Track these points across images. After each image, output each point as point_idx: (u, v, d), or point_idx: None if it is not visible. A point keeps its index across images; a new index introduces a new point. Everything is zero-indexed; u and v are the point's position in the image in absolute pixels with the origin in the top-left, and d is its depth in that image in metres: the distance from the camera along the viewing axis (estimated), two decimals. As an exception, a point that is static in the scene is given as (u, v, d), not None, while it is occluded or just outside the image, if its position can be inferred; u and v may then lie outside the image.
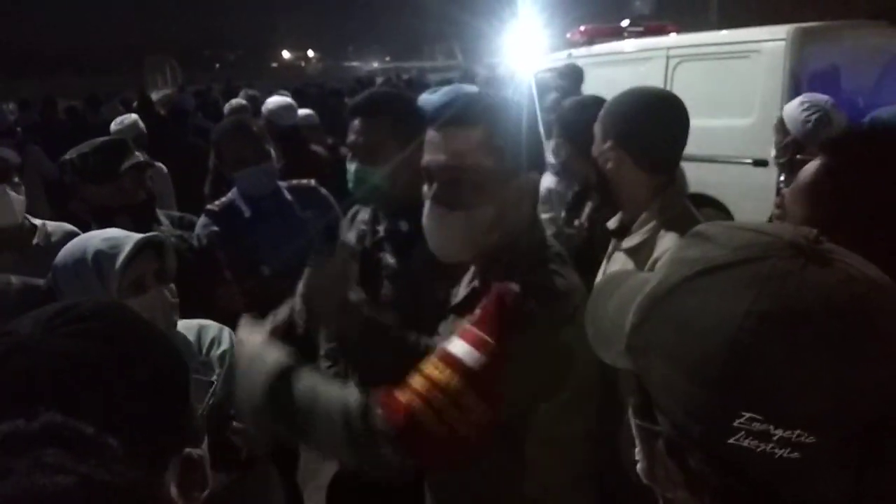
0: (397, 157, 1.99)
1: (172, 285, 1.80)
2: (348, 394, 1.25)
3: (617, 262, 1.99)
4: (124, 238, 1.73)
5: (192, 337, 1.88)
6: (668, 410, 0.64)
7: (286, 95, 6.33)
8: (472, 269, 1.53)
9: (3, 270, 2.22)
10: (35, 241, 2.61)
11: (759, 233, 0.64)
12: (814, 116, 3.13)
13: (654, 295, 0.66)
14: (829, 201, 1.12)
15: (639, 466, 0.75)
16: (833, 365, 0.55)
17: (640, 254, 1.88)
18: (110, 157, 2.41)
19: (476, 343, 1.18)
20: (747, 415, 0.57)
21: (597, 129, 2.01)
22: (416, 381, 1.20)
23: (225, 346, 1.89)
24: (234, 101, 6.48)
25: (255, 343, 1.40)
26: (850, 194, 1.11)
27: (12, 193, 2.48)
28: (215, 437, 1.69)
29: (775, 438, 0.56)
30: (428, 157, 1.40)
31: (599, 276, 2.06)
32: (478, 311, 1.24)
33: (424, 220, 1.41)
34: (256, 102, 6.54)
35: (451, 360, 1.19)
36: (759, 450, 0.57)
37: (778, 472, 0.57)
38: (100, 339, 0.81)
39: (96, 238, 1.74)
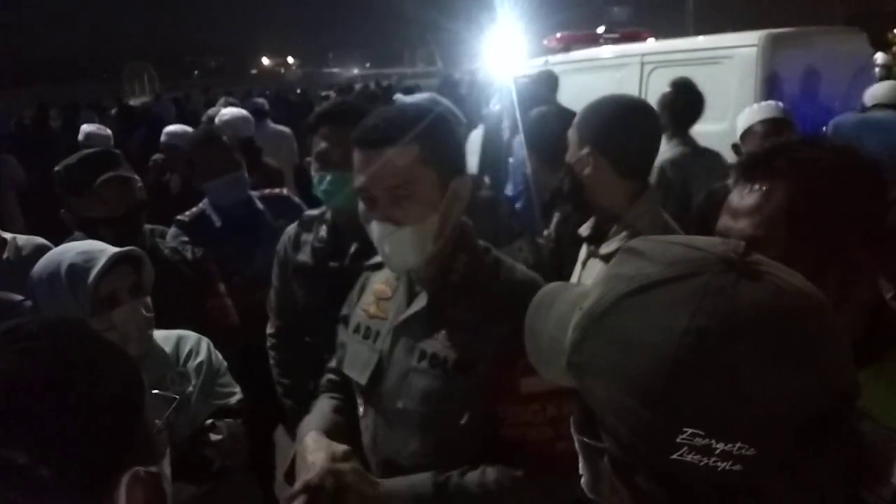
0: None
1: (148, 299, 1.78)
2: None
3: (594, 269, 1.99)
4: (99, 252, 1.71)
5: (170, 347, 1.87)
6: (612, 429, 0.64)
7: (236, 104, 6.31)
8: (405, 278, 1.56)
9: None
10: (5, 255, 2.57)
11: (690, 248, 0.66)
12: (764, 126, 3.19)
13: (593, 313, 0.67)
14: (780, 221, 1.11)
15: (583, 480, 0.75)
16: (769, 376, 0.57)
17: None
18: (90, 169, 2.39)
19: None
20: (689, 430, 0.58)
21: (572, 135, 2.02)
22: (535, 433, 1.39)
23: (202, 356, 1.88)
24: (212, 110, 6.44)
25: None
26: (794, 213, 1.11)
27: None
28: (188, 449, 1.69)
29: (717, 452, 0.57)
30: (364, 179, 1.41)
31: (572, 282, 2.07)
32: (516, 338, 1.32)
33: (375, 239, 1.44)
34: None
35: (538, 396, 1.36)
36: (702, 464, 0.58)
37: (722, 486, 0.58)
38: (44, 358, 0.79)
39: (72, 251, 1.72)
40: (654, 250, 0.67)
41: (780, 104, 3.35)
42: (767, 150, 1.18)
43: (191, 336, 1.94)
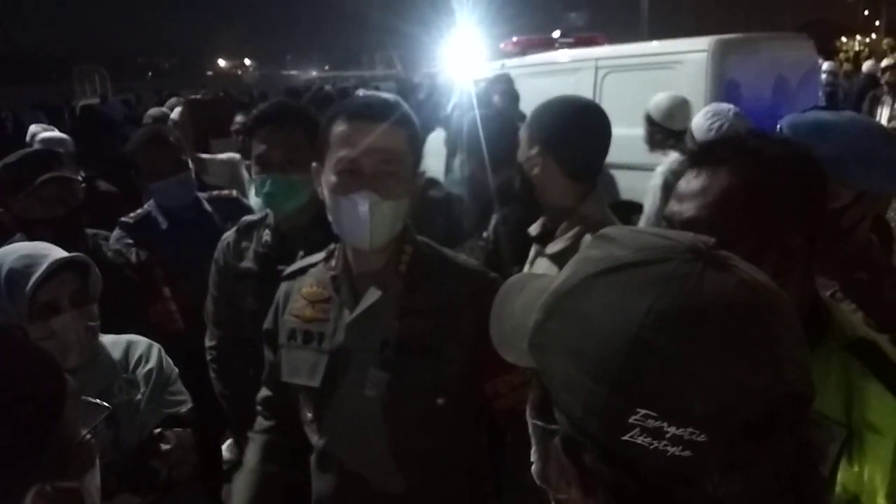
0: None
1: (94, 307, 1.72)
2: None
3: (540, 267, 1.99)
4: (42, 257, 1.64)
5: (119, 353, 1.80)
6: (566, 406, 0.64)
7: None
8: (339, 269, 1.58)
9: None
10: None
11: (661, 237, 0.66)
12: (716, 125, 3.25)
13: (558, 292, 0.67)
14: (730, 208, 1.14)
15: (533, 468, 0.75)
16: (726, 365, 0.57)
17: (564, 259, 1.89)
18: (30, 169, 2.31)
19: None
20: (642, 411, 0.58)
21: (522, 135, 2.02)
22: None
23: (152, 363, 1.82)
24: (154, 110, 6.33)
25: None
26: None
27: None
28: (135, 459, 1.64)
29: (668, 436, 0.57)
30: (356, 150, 1.43)
31: None
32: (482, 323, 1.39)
33: (359, 209, 1.43)
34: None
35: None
36: (651, 447, 0.58)
37: (670, 471, 0.58)
38: None
39: (14, 254, 1.65)
40: (625, 237, 0.68)
41: (732, 107, 3.42)
42: (716, 141, 1.23)
43: (141, 342, 1.87)
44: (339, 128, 1.46)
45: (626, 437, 0.58)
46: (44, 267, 1.61)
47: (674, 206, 1.19)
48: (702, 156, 1.19)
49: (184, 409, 1.84)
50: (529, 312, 0.71)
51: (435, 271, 1.54)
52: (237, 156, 4.61)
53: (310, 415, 1.60)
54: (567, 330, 0.64)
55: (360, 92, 5.28)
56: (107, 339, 1.81)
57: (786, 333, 0.61)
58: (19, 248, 1.70)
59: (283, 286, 1.71)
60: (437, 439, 1.49)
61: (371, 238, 1.47)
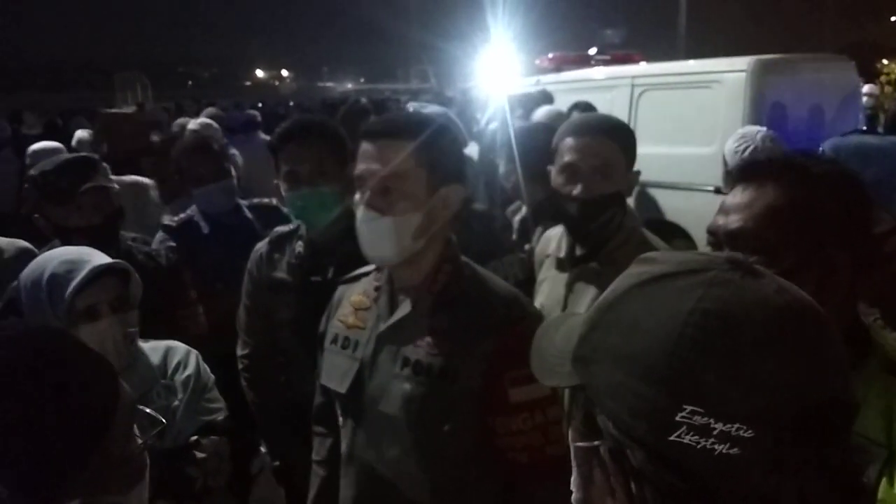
0: (343, 176, 2.01)
1: (134, 313, 1.73)
2: None
3: (584, 291, 1.93)
4: (83, 262, 1.67)
5: (157, 359, 1.82)
6: (612, 412, 0.65)
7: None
8: (383, 281, 1.60)
9: None
10: None
11: (699, 254, 0.71)
12: (742, 147, 3.24)
13: (601, 305, 0.70)
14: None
15: (574, 497, 0.75)
16: (772, 362, 0.59)
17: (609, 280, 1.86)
18: (70, 178, 2.38)
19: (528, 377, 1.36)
20: (689, 408, 0.59)
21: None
22: (525, 440, 1.44)
23: (190, 370, 1.83)
24: (182, 119, 6.43)
25: None
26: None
27: None
28: (170, 466, 1.66)
29: (715, 433, 0.58)
30: (362, 167, 1.49)
31: (547, 302, 2.05)
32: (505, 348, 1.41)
33: (357, 224, 1.50)
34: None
35: (527, 405, 1.43)
36: (699, 446, 0.59)
37: (717, 470, 0.59)
38: (14, 370, 0.77)
39: (56, 259, 1.68)
40: (665, 257, 0.71)
41: (762, 129, 3.41)
42: (764, 158, 1.23)
43: (180, 348, 1.89)
44: (361, 145, 1.51)
45: (673, 437, 0.59)
46: (84, 272, 1.63)
47: (719, 220, 1.20)
48: (749, 172, 1.21)
49: (220, 416, 1.85)
50: (571, 339, 0.73)
51: (468, 294, 1.52)
52: (144, 180, 4.12)
53: (341, 418, 1.64)
54: (612, 337, 0.66)
55: (411, 105, 5.31)
56: (146, 345, 1.83)
57: (828, 342, 0.62)
58: (62, 254, 1.72)
59: (339, 290, 1.75)
60: (447, 466, 1.49)
61: (369, 252, 1.52)
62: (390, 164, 1.45)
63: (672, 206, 5.62)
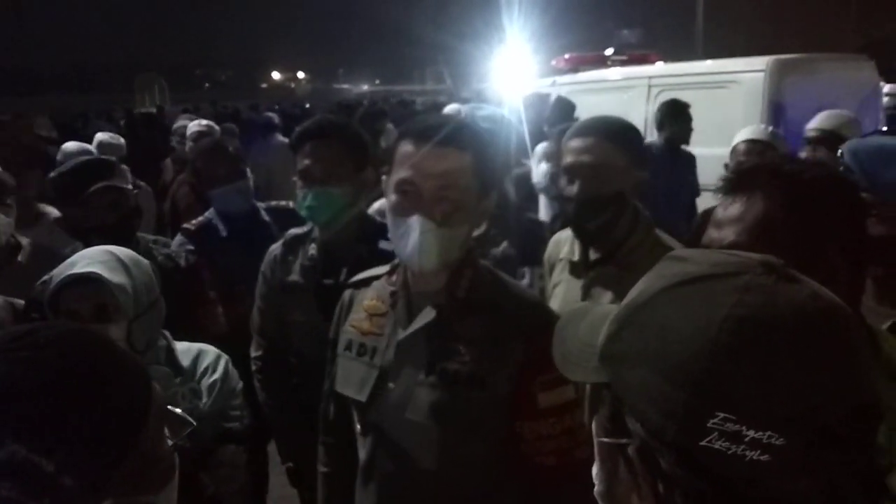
0: (358, 179, 2.00)
1: (119, 325, 1.65)
2: None
3: (601, 296, 1.92)
4: (72, 265, 1.66)
5: (188, 361, 1.83)
6: (642, 414, 0.65)
7: (194, 118, 6.21)
8: (398, 286, 1.57)
9: None
10: (20, 259, 2.58)
11: (731, 255, 0.69)
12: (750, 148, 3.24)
13: (633, 304, 0.69)
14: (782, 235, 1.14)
15: (597, 489, 0.75)
16: (805, 368, 0.59)
17: (626, 283, 1.84)
18: (81, 179, 2.41)
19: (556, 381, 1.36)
20: (721, 414, 0.59)
21: (617, 156, 1.89)
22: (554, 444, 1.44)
23: (217, 375, 1.84)
24: (181, 122, 6.41)
25: None
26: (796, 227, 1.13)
27: (1, 216, 2.45)
28: (184, 470, 1.66)
29: (746, 440, 0.58)
30: (417, 173, 1.42)
31: (563, 307, 2.04)
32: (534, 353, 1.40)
33: (411, 232, 1.43)
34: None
35: (555, 409, 1.44)
36: (730, 452, 0.58)
37: (746, 476, 0.59)
38: (53, 370, 0.78)
39: (68, 260, 1.69)
40: (696, 255, 0.70)
41: (770, 128, 3.40)
42: (751, 166, 1.23)
43: (210, 352, 1.89)
44: (404, 148, 1.45)
45: (704, 443, 0.59)
46: (60, 278, 1.62)
47: (713, 234, 1.19)
48: (738, 182, 1.19)
49: (240, 424, 1.84)
50: (597, 332, 0.73)
51: (491, 300, 1.50)
52: None
53: (359, 427, 1.62)
54: (644, 338, 0.66)
55: (463, 108, 5.28)
56: (179, 346, 1.85)
57: (858, 346, 0.62)
58: (75, 256, 1.73)
59: (347, 293, 1.71)
60: (474, 472, 1.48)
61: (420, 262, 1.46)
62: (453, 175, 1.42)
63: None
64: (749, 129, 3.45)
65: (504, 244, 2.36)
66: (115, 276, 1.65)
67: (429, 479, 1.48)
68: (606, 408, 0.72)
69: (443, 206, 1.42)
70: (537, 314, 1.49)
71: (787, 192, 1.12)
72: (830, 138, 3.38)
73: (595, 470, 0.75)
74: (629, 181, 1.88)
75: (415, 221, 1.42)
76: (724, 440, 0.58)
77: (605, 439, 0.72)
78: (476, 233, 2.27)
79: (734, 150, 3.37)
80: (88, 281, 1.63)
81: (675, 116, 4.74)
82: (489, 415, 1.44)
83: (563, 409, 1.44)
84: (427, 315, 1.50)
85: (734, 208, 1.16)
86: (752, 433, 0.58)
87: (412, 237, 1.43)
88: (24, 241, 2.62)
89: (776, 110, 5.17)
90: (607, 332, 0.71)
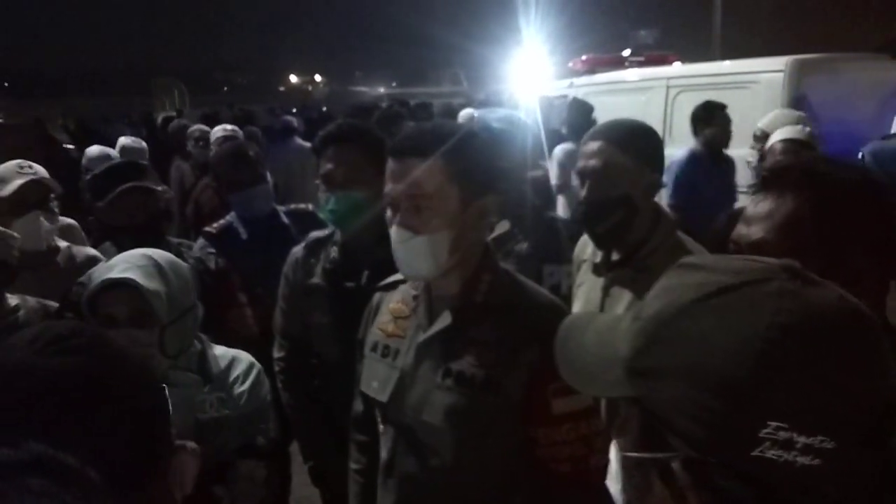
0: (379, 183, 2.03)
1: (151, 331, 1.66)
2: None
3: (620, 296, 1.93)
4: (110, 269, 1.69)
5: (221, 366, 1.84)
6: (684, 430, 0.64)
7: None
8: (420, 290, 1.59)
9: (22, 289, 2.26)
10: (58, 261, 2.62)
11: (749, 260, 0.69)
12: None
13: (661, 318, 0.68)
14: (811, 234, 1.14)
15: (623, 501, 0.75)
16: (846, 371, 0.60)
17: (644, 285, 1.84)
18: (113, 180, 2.46)
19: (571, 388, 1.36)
20: (773, 424, 0.59)
21: (625, 161, 1.89)
22: (569, 451, 1.43)
23: (247, 385, 1.85)
24: (198, 127, 6.50)
25: None
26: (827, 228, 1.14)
27: (43, 220, 2.51)
28: (201, 479, 1.66)
29: (798, 446, 0.58)
30: (390, 186, 1.49)
31: (585, 307, 2.05)
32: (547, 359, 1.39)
33: (392, 244, 1.50)
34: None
35: (570, 415, 1.43)
36: (781, 460, 0.59)
37: (797, 482, 0.59)
38: (86, 356, 0.80)
39: (105, 264, 1.73)
40: (714, 264, 0.70)
41: (807, 128, 3.36)
42: (784, 165, 1.23)
43: (243, 360, 1.90)
44: (388, 163, 1.51)
45: (755, 453, 0.59)
46: (98, 282, 1.65)
47: (741, 230, 1.20)
48: (770, 180, 1.21)
49: (264, 439, 1.83)
50: (609, 343, 0.73)
51: (508, 304, 1.51)
52: None
53: (381, 427, 1.64)
54: (680, 352, 0.65)
55: (465, 112, 5.26)
56: (217, 351, 1.86)
57: (884, 343, 0.63)
58: (115, 259, 1.75)
59: (376, 297, 1.75)
60: (489, 476, 1.49)
61: (405, 271, 1.53)
62: (418, 184, 1.44)
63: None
64: (786, 128, 3.42)
65: (524, 244, 2.36)
66: (151, 283, 1.66)
67: (444, 481, 1.50)
68: (634, 422, 0.71)
69: (417, 215, 1.45)
70: (552, 319, 1.46)
71: (818, 192, 1.13)
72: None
73: (616, 484, 0.75)
74: (639, 183, 1.89)
75: (394, 233, 1.48)
76: (777, 448, 0.59)
77: (637, 454, 0.71)
78: (497, 232, 2.29)
79: (771, 149, 3.35)
80: (124, 286, 1.64)
81: (708, 119, 4.66)
82: (503, 419, 1.45)
83: (578, 416, 1.43)
84: (444, 320, 1.52)
85: (764, 206, 1.18)
86: (803, 439, 0.58)
87: (395, 248, 1.49)
88: (63, 244, 2.67)
89: (796, 110, 5.13)
90: (633, 346, 0.70)
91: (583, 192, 1.92)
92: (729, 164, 4.75)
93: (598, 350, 0.75)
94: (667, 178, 4.81)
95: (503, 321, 1.48)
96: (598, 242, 1.99)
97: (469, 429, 1.46)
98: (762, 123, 3.57)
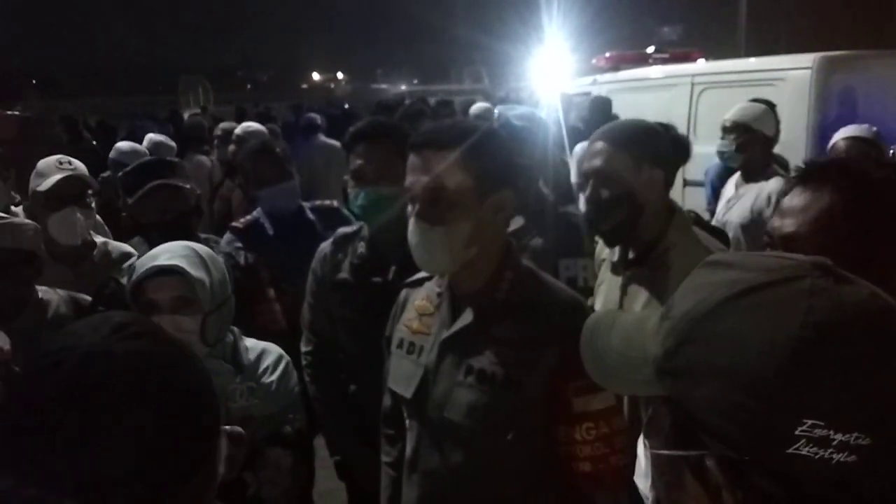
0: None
1: (194, 318, 1.72)
2: None
3: (637, 294, 1.92)
4: (153, 257, 1.74)
5: (251, 358, 1.89)
6: (718, 429, 0.64)
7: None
8: (444, 287, 1.61)
9: (58, 284, 2.30)
10: (94, 256, 2.68)
11: (779, 258, 0.70)
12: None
13: (692, 317, 0.68)
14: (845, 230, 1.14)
15: (653, 497, 0.76)
16: (883, 366, 0.60)
17: (660, 283, 1.85)
18: (143, 177, 2.50)
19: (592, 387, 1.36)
20: (809, 422, 0.59)
21: (624, 158, 1.92)
22: (589, 450, 1.44)
23: (275, 376, 1.90)
24: (225, 124, 6.58)
25: None
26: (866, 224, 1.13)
27: (79, 216, 2.56)
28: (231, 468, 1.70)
29: (834, 443, 0.59)
30: (410, 179, 1.52)
31: (605, 305, 2.06)
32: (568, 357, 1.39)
33: (409, 236, 1.53)
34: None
35: (591, 414, 1.43)
36: (817, 457, 0.59)
37: (834, 479, 0.60)
38: (158, 339, 0.84)
39: (148, 254, 1.78)
40: (744, 261, 0.70)
41: (874, 127, 3.35)
42: (823, 161, 1.23)
43: (272, 352, 1.96)
44: (409, 157, 1.54)
45: (791, 451, 0.60)
46: (146, 268, 1.70)
47: (775, 222, 1.21)
48: (808, 174, 1.21)
49: (291, 429, 1.87)
50: (637, 343, 0.73)
51: (530, 302, 1.53)
52: None
53: (407, 421, 1.67)
54: (712, 352, 0.65)
55: (477, 107, 5.28)
56: (248, 343, 1.90)
57: None
58: (156, 249, 1.79)
59: (403, 293, 1.77)
60: (510, 473, 1.50)
61: (421, 263, 1.55)
62: (436, 176, 1.47)
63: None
64: (850, 127, 3.41)
65: (539, 239, 2.38)
66: (196, 271, 1.72)
67: (466, 478, 1.52)
68: (667, 420, 0.72)
69: (433, 207, 1.48)
70: (573, 318, 1.46)
71: (853, 189, 1.14)
72: (739, 130, 3.48)
73: (645, 480, 0.76)
74: (639, 181, 1.90)
75: (411, 225, 1.51)
76: (812, 446, 0.59)
77: (670, 452, 0.71)
78: (512, 228, 2.32)
79: (833, 147, 3.33)
80: (171, 273, 1.70)
81: None
82: (524, 417, 1.47)
83: (598, 416, 1.44)
84: (466, 317, 1.55)
85: (800, 199, 1.18)
86: (839, 436, 0.59)
87: (411, 241, 1.51)
88: (99, 240, 2.72)
89: (824, 109, 5.07)
90: (664, 345, 0.70)
91: (587, 192, 1.95)
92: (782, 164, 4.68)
93: (626, 350, 0.75)
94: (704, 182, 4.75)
95: (524, 320, 1.50)
96: (606, 240, 2.05)
97: (490, 426, 1.47)
98: (732, 115, 3.57)
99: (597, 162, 1.93)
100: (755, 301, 0.65)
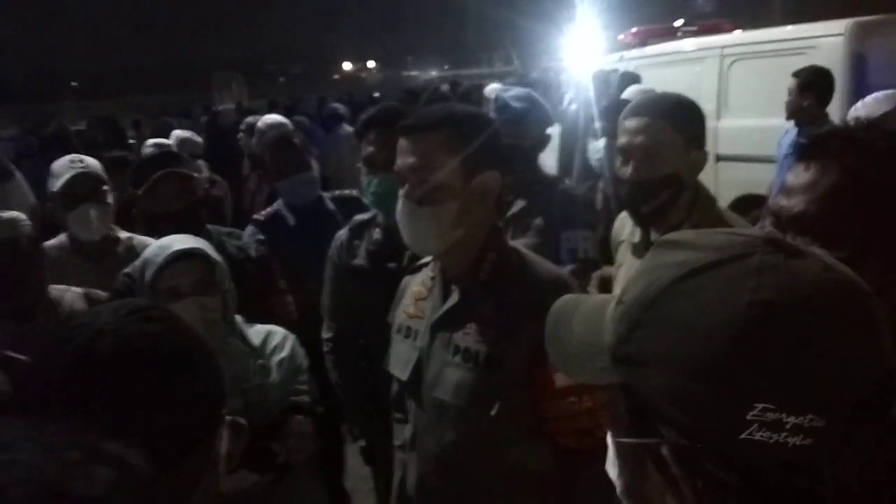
0: None
1: (216, 298, 1.81)
2: None
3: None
4: (171, 246, 1.79)
5: (258, 340, 1.96)
6: (671, 417, 0.62)
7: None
8: (436, 271, 1.63)
9: (83, 280, 2.37)
10: (119, 250, 2.71)
11: (733, 234, 0.66)
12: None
13: (641, 301, 0.65)
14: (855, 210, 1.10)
15: (620, 489, 0.74)
16: (836, 345, 0.57)
17: None
18: (151, 169, 2.53)
19: None
20: (760, 405, 0.57)
21: (671, 136, 1.82)
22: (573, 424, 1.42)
23: (285, 352, 1.97)
24: (251, 118, 6.67)
25: None
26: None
27: (93, 211, 2.60)
28: (257, 439, 1.75)
29: (788, 426, 0.57)
30: (398, 162, 1.56)
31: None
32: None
33: (398, 216, 1.56)
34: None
35: (573, 389, 1.41)
36: (772, 441, 0.57)
37: (791, 463, 0.58)
38: (173, 322, 0.87)
39: (155, 244, 1.83)
40: (696, 239, 0.67)
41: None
42: (825, 133, 1.18)
43: (278, 332, 2.02)
44: (399, 141, 1.57)
45: (744, 436, 0.58)
46: (164, 255, 1.75)
47: (782, 201, 1.15)
48: (811, 149, 1.16)
49: (308, 398, 1.95)
50: (596, 329, 0.71)
51: (511, 281, 1.54)
52: None
53: (408, 404, 1.70)
54: (661, 338, 0.63)
55: (492, 88, 5.25)
56: (251, 329, 1.96)
57: (877, 312, 0.60)
58: (163, 240, 1.85)
59: (404, 280, 1.81)
60: (500, 450, 1.51)
61: (410, 242, 1.58)
62: (421, 157, 1.50)
63: (766, 181, 5.40)
64: (880, 93, 3.21)
65: (539, 218, 2.38)
66: (212, 252, 1.83)
67: (458, 457, 1.54)
68: (623, 407, 0.70)
69: (420, 187, 1.51)
70: (553, 294, 1.45)
71: (858, 163, 1.09)
72: None
73: (613, 469, 0.74)
74: (686, 161, 1.83)
75: (399, 205, 1.54)
76: (765, 430, 0.57)
77: (628, 440, 0.69)
78: (514, 210, 2.31)
79: (888, 118, 3.17)
80: (192, 256, 1.78)
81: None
82: (508, 394, 1.48)
83: (581, 390, 1.41)
84: (453, 298, 1.58)
85: (805, 176, 1.13)
86: (792, 419, 0.57)
87: (399, 219, 1.55)
88: (124, 234, 2.76)
89: (857, 77, 4.90)
90: (615, 332, 0.68)
91: (627, 172, 1.85)
92: None
93: (586, 336, 0.73)
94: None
95: (503, 299, 1.52)
96: (642, 222, 1.94)
97: (476, 404, 1.49)
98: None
99: (643, 139, 1.81)
100: (702, 282, 0.62)
